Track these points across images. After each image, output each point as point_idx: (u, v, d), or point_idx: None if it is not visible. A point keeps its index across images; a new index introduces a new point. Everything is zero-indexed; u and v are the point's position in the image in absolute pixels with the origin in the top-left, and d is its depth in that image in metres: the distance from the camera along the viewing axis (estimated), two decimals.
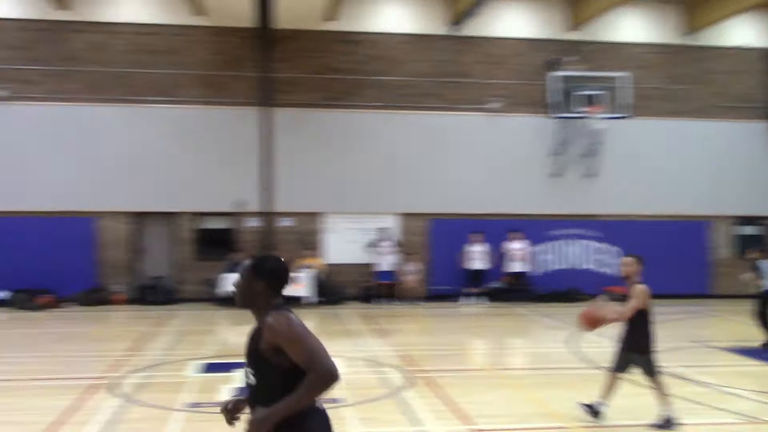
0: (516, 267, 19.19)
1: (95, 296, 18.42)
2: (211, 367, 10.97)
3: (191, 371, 10.67)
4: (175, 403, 8.76)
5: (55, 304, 17.99)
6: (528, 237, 19.56)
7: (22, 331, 15.07)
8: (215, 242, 19.57)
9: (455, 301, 19.29)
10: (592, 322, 7.87)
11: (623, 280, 7.90)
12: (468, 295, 19.20)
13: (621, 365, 7.97)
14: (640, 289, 7.71)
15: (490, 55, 20.55)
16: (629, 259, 7.92)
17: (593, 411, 7.92)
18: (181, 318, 16.34)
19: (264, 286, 3.69)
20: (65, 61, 18.89)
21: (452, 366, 11.55)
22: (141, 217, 19.39)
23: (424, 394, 9.26)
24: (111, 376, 10.24)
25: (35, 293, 18.02)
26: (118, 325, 16.24)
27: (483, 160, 20.18)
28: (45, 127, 18.73)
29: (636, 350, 7.85)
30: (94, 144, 18.82)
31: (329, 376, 3.53)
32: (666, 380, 8.08)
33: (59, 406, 8.61)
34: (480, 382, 10.12)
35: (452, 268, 19.39)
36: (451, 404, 8.74)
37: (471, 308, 18.70)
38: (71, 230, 18.72)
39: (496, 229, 19.43)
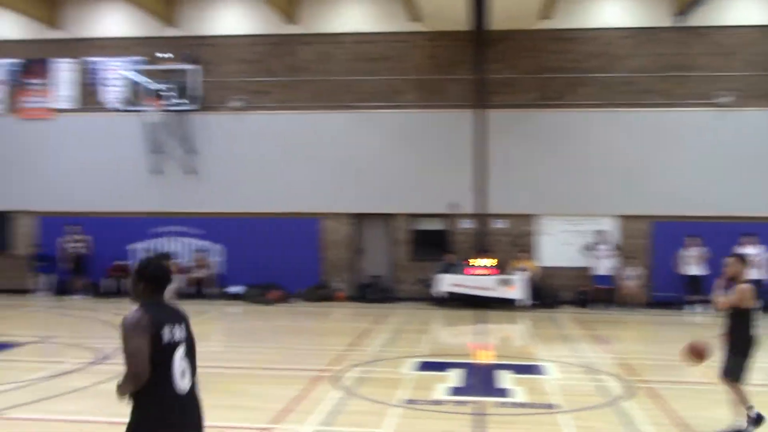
0: (749, 274, 17.58)
1: (319, 293, 19.52)
2: (426, 366, 11.21)
3: (407, 368, 10.97)
4: (392, 399, 9.05)
5: (283, 299, 19.29)
6: (764, 242, 17.90)
7: (255, 323, 16.31)
8: (430, 243, 19.96)
9: (679, 308, 18.16)
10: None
11: (730, 282, 7.65)
12: (692, 302, 17.99)
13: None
14: (741, 287, 7.52)
15: (719, 46, 19.12)
16: (730, 260, 7.78)
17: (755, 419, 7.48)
18: (397, 316, 16.84)
19: (144, 286, 4.39)
20: (293, 72, 20.20)
21: (675, 377, 10.89)
22: (361, 218, 20.25)
23: (644, 405, 8.84)
24: (333, 369, 10.79)
25: (267, 288, 19.45)
26: (340, 321, 17.07)
27: (711, 159, 18.82)
28: (276, 134, 20.16)
29: (732, 351, 7.57)
30: (319, 149, 19.95)
31: (134, 380, 4.14)
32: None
33: (287, 395, 9.23)
34: (706, 397, 9.45)
35: (677, 274, 18.27)
36: (674, 418, 8.27)
37: (696, 317, 17.53)
38: (299, 230, 20.00)
39: (726, 232, 18.02)
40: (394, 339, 13.92)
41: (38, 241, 20.65)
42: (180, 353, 4.28)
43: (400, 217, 19.96)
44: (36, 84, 21.15)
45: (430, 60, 19.83)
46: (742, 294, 7.49)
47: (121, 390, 4.21)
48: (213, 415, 8.43)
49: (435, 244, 19.87)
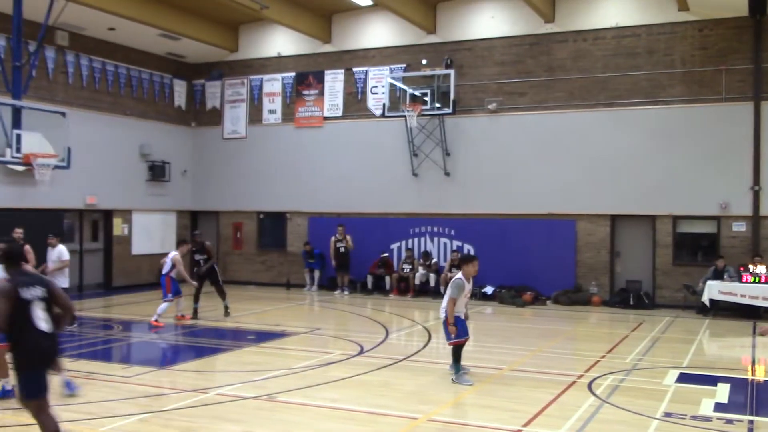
0: None
1: (573, 296, 19.03)
2: (689, 378, 10.48)
3: (667, 379, 10.34)
4: (649, 410, 8.58)
5: (536, 301, 19.09)
6: None
7: (508, 324, 16.30)
8: (696, 247, 18.66)
9: None
10: None
11: None
12: None
13: None
14: None
15: None
16: None
17: None
18: (657, 324, 15.92)
19: (5, 264, 6.50)
20: (549, 71, 19.91)
21: None
22: (618, 220, 19.42)
23: None
24: (588, 376, 10.48)
25: (519, 290, 19.36)
26: (595, 327, 16.51)
27: None
28: (530, 134, 20.00)
29: None
30: (575, 149, 19.49)
31: None
32: None
33: (540, 398, 9.12)
34: None
35: None
36: None
37: None
38: (553, 232, 19.65)
39: None
40: (654, 347, 13.16)
41: (308, 239, 22.37)
42: (40, 306, 6.24)
43: (663, 219, 18.84)
44: (309, 95, 22.96)
45: (699, 51, 18.48)
46: None
47: None
48: (465, 414, 8.61)
49: (701, 249, 18.54)
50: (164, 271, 15.32)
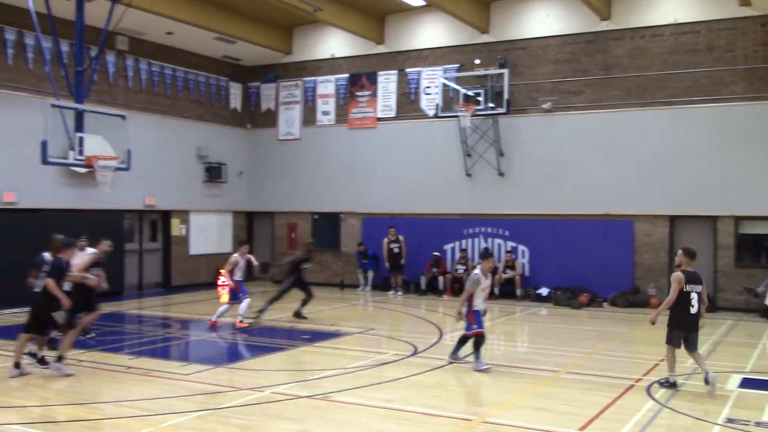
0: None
1: (630, 298, 18.68)
2: (752, 383, 10.20)
3: (730, 384, 10.07)
4: (710, 416, 8.38)
5: (592, 303, 18.80)
6: None
7: (563, 326, 16.08)
8: (759, 248, 18.12)
9: None
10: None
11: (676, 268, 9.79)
12: None
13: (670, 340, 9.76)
14: (672, 275, 9.70)
15: None
16: (679, 252, 9.81)
17: (668, 384, 9.59)
18: (719, 327, 15.52)
19: None
20: (605, 70, 19.59)
21: None
22: (677, 221, 19.00)
23: None
24: (645, 379, 10.29)
25: (574, 291, 19.09)
26: (653, 329, 16.08)
27: None
28: (586, 134, 19.72)
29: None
30: (632, 148, 19.13)
31: None
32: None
33: (596, 401, 8.98)
34: None
35: None
36: None
37: None
38: (610, 232, 19.33)
39: None
40: (715, 351, 12.84)
41: (362, 240, 22.44)
42: None
43: (724, 220, 18.36)
44: (362, 96, 23.04)
45: (763, 46, 17.95)
46: (672, 280, 9.62)
47: None
48: (520, 416, 8.53)
49: (764, 250, 18.02)
50: (236, 276, 15.34)
